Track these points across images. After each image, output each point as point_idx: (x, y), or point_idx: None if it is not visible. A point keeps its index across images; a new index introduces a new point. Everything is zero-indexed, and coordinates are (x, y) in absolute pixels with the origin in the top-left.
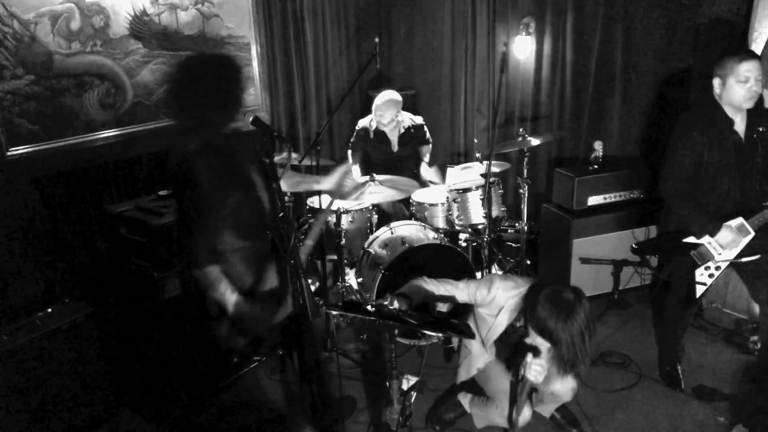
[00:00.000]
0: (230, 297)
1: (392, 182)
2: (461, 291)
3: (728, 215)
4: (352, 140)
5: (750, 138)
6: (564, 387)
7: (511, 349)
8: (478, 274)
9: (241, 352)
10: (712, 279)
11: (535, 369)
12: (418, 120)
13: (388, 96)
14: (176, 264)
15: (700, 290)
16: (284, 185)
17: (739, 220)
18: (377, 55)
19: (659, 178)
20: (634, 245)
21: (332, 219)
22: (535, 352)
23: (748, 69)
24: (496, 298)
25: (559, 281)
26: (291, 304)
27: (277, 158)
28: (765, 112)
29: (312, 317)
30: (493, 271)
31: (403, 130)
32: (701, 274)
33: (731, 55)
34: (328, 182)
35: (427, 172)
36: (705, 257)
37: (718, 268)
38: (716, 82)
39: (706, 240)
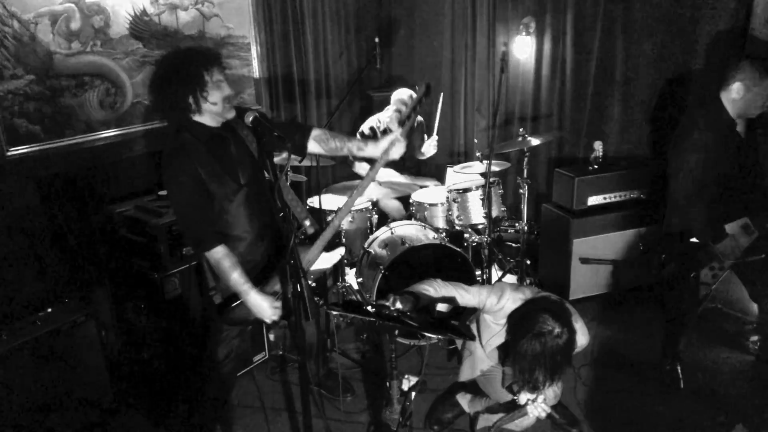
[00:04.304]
0: (245, 288)
1: (392, 184)
2: (473, 296)
3: (734, 214)
4: None
5: (751, 139)
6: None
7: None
8: (478, 274)
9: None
10: (717, 279)
11: (540, 409)
12: (419, 117)
13: (407, 93)
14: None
15: (703, 290)
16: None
17: (744, 220)
18: (377, 55)
19: (667, 178)
20: (641, 245)
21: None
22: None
23: None
24: (504, 308)
25: (559, 281)
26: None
27: (276, 159)
28: (760, 115)
29: (311, 317)
30: (493, 271)
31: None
32: (705, 275)
33: (760, 65)
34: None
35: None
36: (712, 257)
37: (722, 268)
38: (737, 86)
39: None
